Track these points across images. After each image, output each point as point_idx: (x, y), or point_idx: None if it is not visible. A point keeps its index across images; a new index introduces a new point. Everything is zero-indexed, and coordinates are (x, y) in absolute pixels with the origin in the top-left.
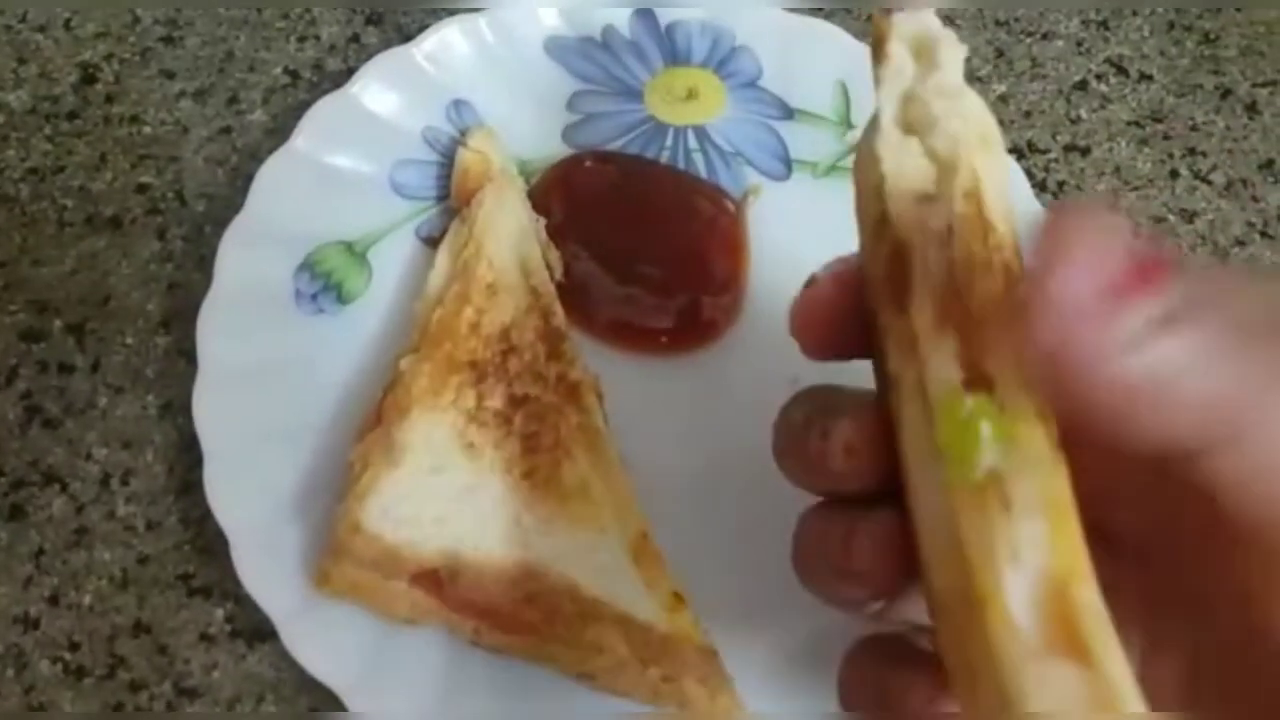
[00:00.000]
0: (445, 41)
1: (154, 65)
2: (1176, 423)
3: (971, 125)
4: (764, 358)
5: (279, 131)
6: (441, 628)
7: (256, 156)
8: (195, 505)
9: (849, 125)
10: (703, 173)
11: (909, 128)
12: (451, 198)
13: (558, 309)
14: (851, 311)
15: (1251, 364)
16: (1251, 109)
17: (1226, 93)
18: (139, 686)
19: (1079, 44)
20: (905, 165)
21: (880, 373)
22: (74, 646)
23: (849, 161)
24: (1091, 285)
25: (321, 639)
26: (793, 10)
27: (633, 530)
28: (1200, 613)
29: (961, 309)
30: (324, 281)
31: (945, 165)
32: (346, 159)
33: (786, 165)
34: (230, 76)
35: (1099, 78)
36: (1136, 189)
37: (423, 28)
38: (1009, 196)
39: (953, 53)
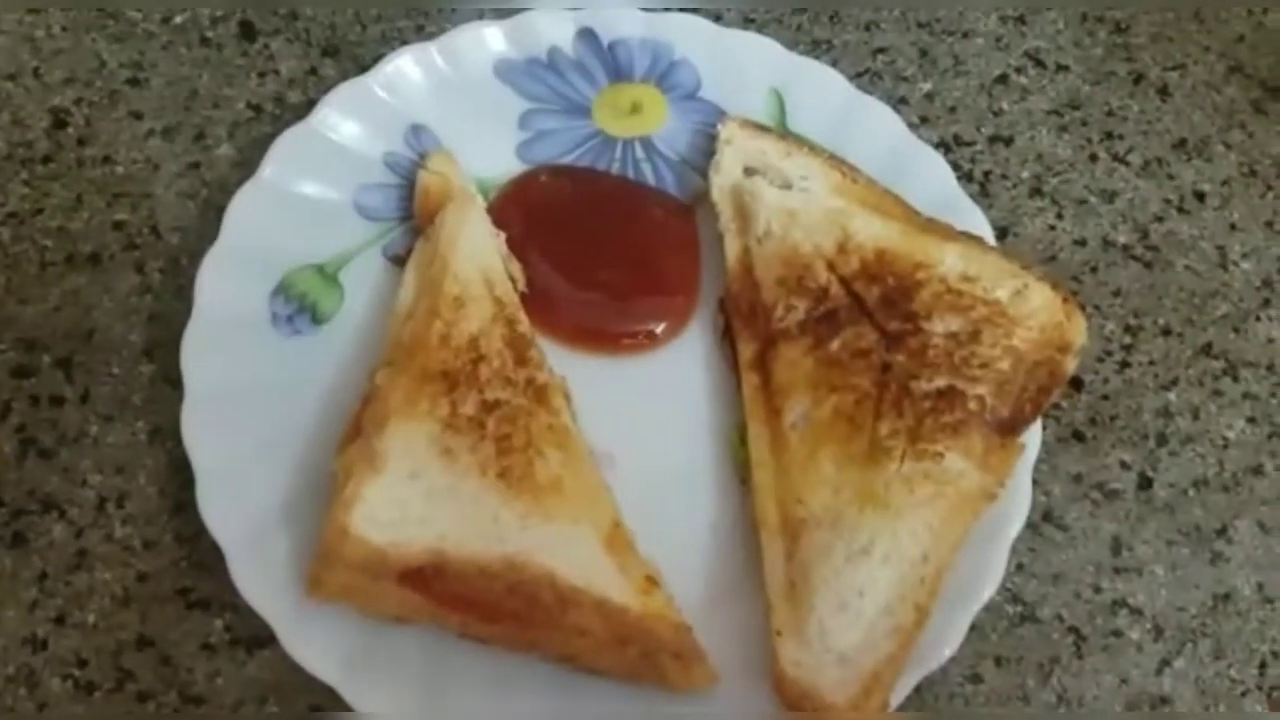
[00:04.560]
0: (399, 70)
1: (122, 107)
2: None
3: None
4: (719, 352)
5: (246, 164)
6: (429, 623)
7: (226, 189)
8: (189, 523)
9: (784, 129)
10: (651, 181)
11: None
12: (415, 217)
13: (522, 317)
14: None
15: None
16: (1163, 92)
17: (1139, 78)
18: (147, 697)
19: (998, 40)
20: None
21: None
22: (82, 663)
23: None
24: None
25: (318, 640)
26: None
27: (605, 520)
28: None
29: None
30: (298, 303)
31: None
32: (313, 186)
33: None
34: (196, 114)
35: (1018, 71)
36: (1058, 174)
37: (377, 57)
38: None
39: None
